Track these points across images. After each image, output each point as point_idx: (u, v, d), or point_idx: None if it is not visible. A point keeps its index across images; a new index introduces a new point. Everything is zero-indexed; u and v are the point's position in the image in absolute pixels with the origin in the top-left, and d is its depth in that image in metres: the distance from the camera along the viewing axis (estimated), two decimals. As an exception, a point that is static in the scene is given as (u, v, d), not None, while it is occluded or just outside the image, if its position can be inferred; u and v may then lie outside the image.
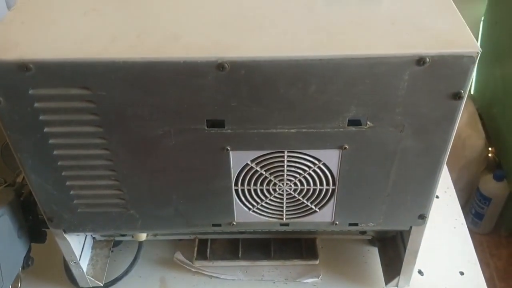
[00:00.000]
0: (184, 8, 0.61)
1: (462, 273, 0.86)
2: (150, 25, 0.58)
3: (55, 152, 0.61)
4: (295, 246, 0.88)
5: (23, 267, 0.76)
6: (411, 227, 0.71)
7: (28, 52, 0.54)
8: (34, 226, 0.77)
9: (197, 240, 0.89)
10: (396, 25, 0.56)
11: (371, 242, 0.89)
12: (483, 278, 0.85)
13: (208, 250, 0.87)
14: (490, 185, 1.76)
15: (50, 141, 0.60)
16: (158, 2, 0.62)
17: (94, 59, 0.53)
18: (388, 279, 0.81)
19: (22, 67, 0.53)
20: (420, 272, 0.85)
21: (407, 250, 0.74)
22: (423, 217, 0.69)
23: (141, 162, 0.63)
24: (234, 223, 0.71)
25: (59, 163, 0.63)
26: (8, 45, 0.55)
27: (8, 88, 0.55)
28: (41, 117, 0.58)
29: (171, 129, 0.59)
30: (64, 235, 0.72)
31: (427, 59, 0.52)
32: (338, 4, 0.60)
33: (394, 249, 0.83)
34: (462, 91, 0.55)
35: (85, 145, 0.61)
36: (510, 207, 1.76)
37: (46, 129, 0.59)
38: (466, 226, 0.94)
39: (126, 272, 0.84)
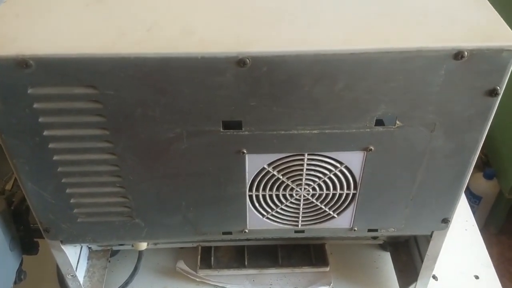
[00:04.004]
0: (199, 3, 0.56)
1: (477, 277, 0.83)
2: (161, 18, 0.53)
3: (55, 158, 0.56)
4: (303, 252, 0.84)
5: (15, 282, 0.70)
6: (432, 232, 0.67)
7: (27, 48, 0.48)
8: (25, 236, 0.71)
9: (200, 248, 0.84)
10: (429, 17, 0.52)
11: (382, 247, 0.85)
12: (498, 282, 0.82)
13: (212, 258, 0.82)
14: (480, 184, 1.75)
15: (50, 145, 0.55)
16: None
17: (101, 55, 0.48)
18: (403, 285, 0.78)
19: (21, 64, 0.48)
20: (434, 277, 0.82)
21: (426, 256, 0.71)
22: (446, 221, 0.65)
23: (149, 167, 0.58)
24: (246, 230, 0.66)
25: (59, 169, 0.57)
26: (3, 40, 0.50)
27: (4, 87, 0.50)
28: (40, 119, 0.52)
29: (183, 131, 0.55)
30: (61, 246, 0.67)
31: (465, 53, 0.49)
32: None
33: (407, 254, 0.80)
34: (499, 88, 0.52)
35: (88, 150, 0.56)
36: (500, 205, 1.75)
37: (45, 132, 0.53)
38: (477, 228, 0.91)
39: (126, 284, 0.79)
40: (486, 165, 1.78)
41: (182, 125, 0.54)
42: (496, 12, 0.53)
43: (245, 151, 0.57)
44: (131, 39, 0.50)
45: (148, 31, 0.51)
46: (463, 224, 0.92)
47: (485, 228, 1.84)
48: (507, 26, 0.51)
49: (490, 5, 0.55)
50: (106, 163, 0.57)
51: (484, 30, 0.50)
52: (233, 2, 0.55)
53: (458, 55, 0.49)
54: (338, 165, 0.59)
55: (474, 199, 1.76)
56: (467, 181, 0.61)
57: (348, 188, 0.62)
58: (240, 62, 0.49)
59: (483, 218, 1.82)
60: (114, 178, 0.58)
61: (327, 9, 0.54)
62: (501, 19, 0.52)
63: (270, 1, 0.55)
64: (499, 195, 1.73)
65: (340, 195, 0.63)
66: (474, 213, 1.75)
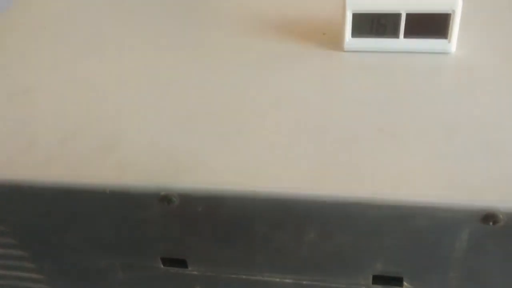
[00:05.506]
0: (134, 102, 0.42)
1: None
2: (85, 122, 0.40)
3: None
4: None
5: None
6: None
7: None
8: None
9: None
10: (447, 148, 0.34)
11: None
12: None
13: None
14: None
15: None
16: (109, 88, 0.44)
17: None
18: None
19: None
20: None
21: None
22: None
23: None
24: None
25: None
26: None
27: None
28: None
29: (116, 263, 0.42)
30: None
31: (500, 217, 0.30)
32: (352, 101, 0.39)
33: None
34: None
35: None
36: None
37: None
38: None
39: None
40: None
41: (113, 257, 0.41)
42: None
43: (198, 291, 0.43)
44: (36, 155, 0.38)
45: (60, 142, 0.39)
46: None
47: None
48: None
49: None
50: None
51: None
52: (180, 109, 0.41)
53: (488, 218, 0.31)
54: (329, 315, 0.43)
55: None
56: None
57: None
58: (163, 199, 0.35)
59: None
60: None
61: (294, 125, 0.38)
62: None
63: (220, 110, 0.40)
64: None
65: None
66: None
